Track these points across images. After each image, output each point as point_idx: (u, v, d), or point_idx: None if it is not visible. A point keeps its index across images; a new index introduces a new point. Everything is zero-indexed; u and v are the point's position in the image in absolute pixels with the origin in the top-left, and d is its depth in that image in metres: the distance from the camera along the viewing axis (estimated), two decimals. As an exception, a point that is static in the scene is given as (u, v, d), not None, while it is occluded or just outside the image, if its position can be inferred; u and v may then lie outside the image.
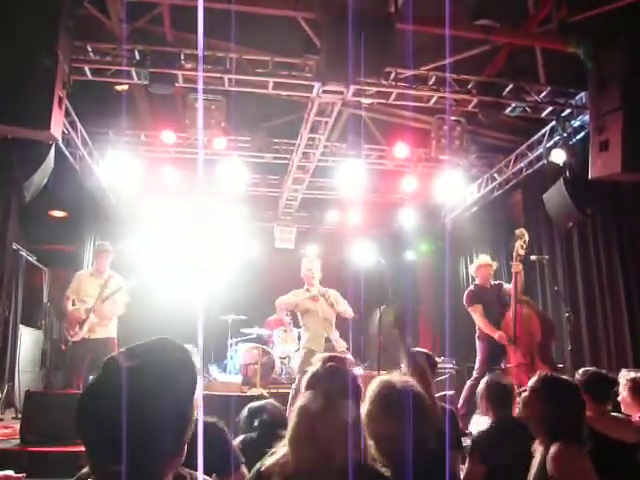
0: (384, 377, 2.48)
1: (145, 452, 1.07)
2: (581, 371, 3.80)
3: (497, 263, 7.40)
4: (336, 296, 6.83)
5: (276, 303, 6.88)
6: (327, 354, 2.21)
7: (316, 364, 2.11)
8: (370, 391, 2.40)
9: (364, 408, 2.34)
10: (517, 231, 6.77)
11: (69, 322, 6.79)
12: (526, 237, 6.65)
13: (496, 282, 7.18)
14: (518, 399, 3.24)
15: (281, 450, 1.98)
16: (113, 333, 7.01)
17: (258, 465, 2.00)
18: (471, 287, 7.23)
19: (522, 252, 6.60)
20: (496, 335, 6.51)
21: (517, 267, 6.56)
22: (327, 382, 2.02)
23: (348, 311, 6.90)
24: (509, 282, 6.98)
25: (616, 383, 3.89)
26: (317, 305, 6.65)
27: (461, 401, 6.58)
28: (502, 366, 6.48)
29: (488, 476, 3.19)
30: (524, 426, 2.80)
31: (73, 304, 6.89)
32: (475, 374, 6.69)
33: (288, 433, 1.96)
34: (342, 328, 9.33)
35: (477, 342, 6.94)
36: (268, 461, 1.98)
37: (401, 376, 2.52)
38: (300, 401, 1.99)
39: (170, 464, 1.19)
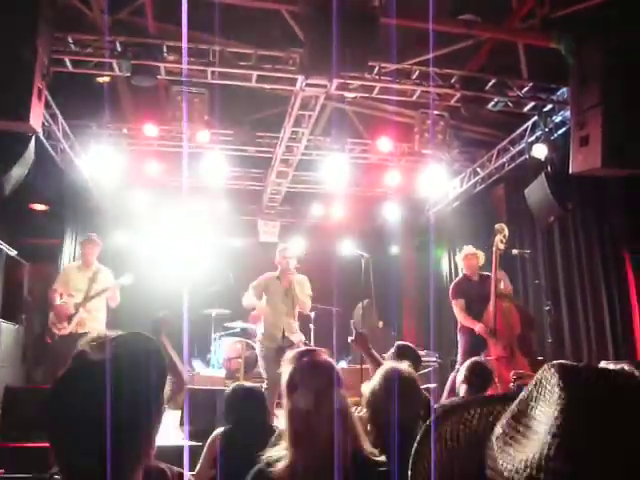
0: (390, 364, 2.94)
1: (115, 446, 1.06)
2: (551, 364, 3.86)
3: (484, 254, 7.32)
4: (303, 283, 6.72)
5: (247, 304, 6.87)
6: (299, 349, 2.20)
7: (289, 364, 2.07)
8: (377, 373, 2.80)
9: (369, 386, 2.74)
10: (497, 226, 6.79)
11: (57, 316, 6.69)
12: (506, 232, 6.68)
13: (485, 273, 7.14)
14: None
15: (280, 452, 1.98)
16: (102, 327, 6.91)
17: (259, 467, 1.98)
18: (457, 279, 7.28)
19: (502, 246, 6.63)
20: (476, 327, 6.56)
21: (501, 274, 6.64)
22: (311, 378, 2.00)
23: (306, 304, 6.74)
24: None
25: None
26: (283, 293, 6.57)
27: (445, 393, 6.63)
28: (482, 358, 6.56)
29: None
30: None
31: (61, 297, 6.81)
32: (458, 366, 6.74)
33: (286, 436, 1.97)
34: (325, 322, 9.37)
35: (458, 335, 7.04)
36: (273, 465, 1.96)
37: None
38: (289, 404, 1.98)
39: (141, 458, 1.18)
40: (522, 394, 0.77)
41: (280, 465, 1.94)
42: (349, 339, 3.95)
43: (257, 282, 6.68)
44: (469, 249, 7.30)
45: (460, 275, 7.39)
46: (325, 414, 1.92)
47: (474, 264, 7.13)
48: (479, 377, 4.07)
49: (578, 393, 0.69)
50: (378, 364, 3.38)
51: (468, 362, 4.32)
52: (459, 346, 7.01)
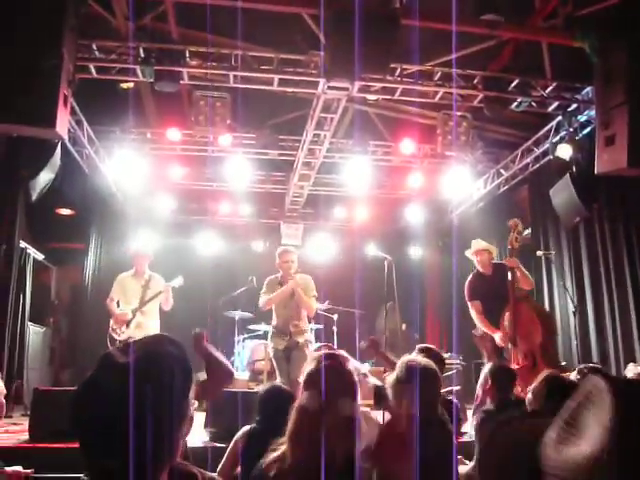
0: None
1: (139, 448, 1.08)
2: (577, 369, 3.82)
3: (496, 249, 6.91)
4: (307, 285, 6.59)
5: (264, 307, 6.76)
6: (323, 352, 2.23)
7: (312, 363, 2.13)
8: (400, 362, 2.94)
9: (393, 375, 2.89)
10: (510, 222, 6.36)
11: (116, 322, 7.07)
12: (520, 227, 6.24)
13: (498, 262, 6.68)
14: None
15: (281, 447, 2.03)
16: (156, 330, 7.13)
17: (260, 462, 2.03)
18: (470, 277, 6.71)
19: (517, 245, 6.18)
20: (496, 336, 6.12)
21: (512, 262, 6.08)
22: (325, 381, 2.04)
23: (311, 307, 6.60)
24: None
25: None
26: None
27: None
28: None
29: None
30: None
31: (117, 305, 7.17)
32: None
33: (288, 432, 2.01)
34: (348, 324, 9.36)
35: (477, 340, 6.64)
36: (268, 458, 2.02)
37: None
38: (299, 401, 2.05)
39: (165, 460, 1.19)
40: (570, 403, 0.92)
41: (275, 464, 1.99)
42: (362, 344, 4.00)
43: (264, 288, 6.66)
44: (479, 243, 6.78)
45: (473, 272, 6.78)
46: (330, 419, 1.95)
47: (487, 259, 6.61)
48: (503, 378, 3.98)
49: (627, 398, 0.86)
50: (394, 366, 3.40)
51: (489, 366, 4.23)
52: (482, 348, 6.59)
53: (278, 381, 6.19)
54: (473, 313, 6.46)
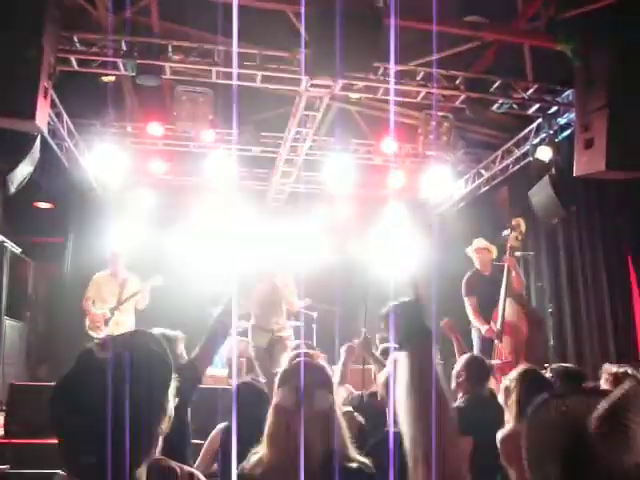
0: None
1: (117, 443, 1.08)
2: (549, 369, 3.86)
3: (496, 250, 6.89)
4: (288, 282, 6.70)
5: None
6: (296, 351, 2.27)
7: (286, 361, 2.17)
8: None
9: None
10: (513, 221, 6.44)
11: (92, 321, 7.17)
12: (522, 227, 6.32)
13: (499, 264, 6.68)
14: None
15: (261, 449, 2.03)
16: (133, 327, 7.24)
17: (241, 466, 2.03)
18: (468, 274, 6.87)
19: (517, 244, 6.27)
20: (483, 329, 6.30)
21: (511, 261, 6.20)
22: (296, 377, 2.05)
23: (293, 303, 6.73)
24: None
25: (585, 378, 3.96)
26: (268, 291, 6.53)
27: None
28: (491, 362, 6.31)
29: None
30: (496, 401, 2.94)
31: (94, 305, 7.27)
32: None
33: (265, 432, 2.01)
34: (327, 322, 9.36)
35: (472, 332, 6.70)
36: (250, 461, 2.02)
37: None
38: (274, 400, 2.05)
39: (143, 455, 1.19)
40: (613, 399, 0.98)
41: (255, 466, 1.99)
42: (354, 342, 4.04)
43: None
44: (481, 242, 6.88)
45: (472, 269, 6.93)
46: (305, 414, 1.95)
47: (486, 258, 6.72)
48: (477, 370, 3.95)
49: None
50: (382, 365, 3.44)
51: (464, 358, 4.22)
52: (473, 343, 6.66)
53: (261, 379, 6.19)
54: (468, 308, 6.59)
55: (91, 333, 7.12)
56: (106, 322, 7.14)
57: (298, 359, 2.17)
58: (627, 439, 0.92)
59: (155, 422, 1.21)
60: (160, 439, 1.24)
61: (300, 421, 1.93)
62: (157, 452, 1.25)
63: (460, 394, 3.84)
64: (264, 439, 2.02)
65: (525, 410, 1.10)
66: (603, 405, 0.96)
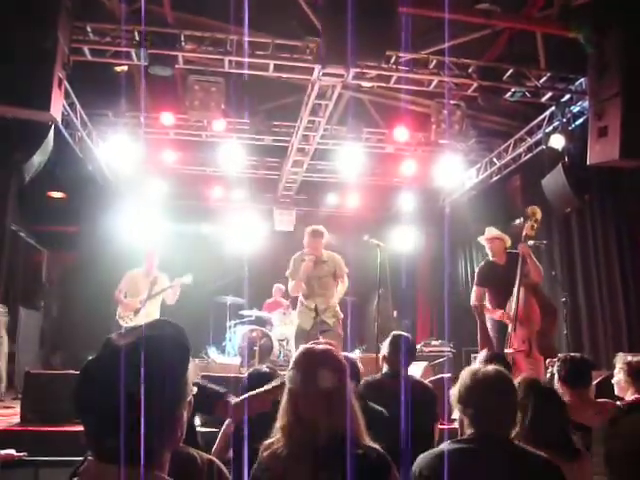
0: None
1: (139, 428, 1.11)
2: (558, 357, 3.86)
3: (509, 238, 6.62)
4: (337, 262, 6.46)
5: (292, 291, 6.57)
6: (309, 344, 2.29)
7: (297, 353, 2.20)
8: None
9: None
10: (529, 209, 6.23)
11: (124, 309, 7.55)
12: (538, 216, 6.11)
13: (513, 252, 6.39)
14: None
15: (276, 435, 2.06)
16: None
17: (260, 453, 2.07)
18: (482, 263, 6.70)
19: (532, 232, 6.08)
20: (496, 315, 6.13)
21: (525, 249, 6.01)
22: (303, 359, 2.12)
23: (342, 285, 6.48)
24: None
25: (594, 366, 3.95)
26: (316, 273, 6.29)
27: None
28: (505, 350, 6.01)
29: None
30: None
31: (125, 297, 7.64)
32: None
33: (278, 415, 2.06)
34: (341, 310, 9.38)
35: (478, 320, 6.50)
36: (265, 446, 2.05)
37: None
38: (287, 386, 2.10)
39: (167, 440, 1.22)
40: None
41: (269, 450, 2.03)
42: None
43: (290, 267, 6.46)
44: (493, 231, 6.63)
45: (486, 259, 6.71)
46: (311, 394, 1.99)
47: (499, 247, 6.47)
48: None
49: None
50: None
51: (483, 354, 4.24)
52: (479, 332, 6.49)
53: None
54: (472, 297, 6.43)
55: (120, 322, 7.46)
56: (136, 312, 7.48)
57: (311, 346, 2.22)
58: None
59: (176, 405, 1.24)
60: (185, 425, 1.27)
61: (306, 400, 1.98)
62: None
63: None
64: (278, 421, 2.06)
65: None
66: None
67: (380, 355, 4.31)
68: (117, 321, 7.51)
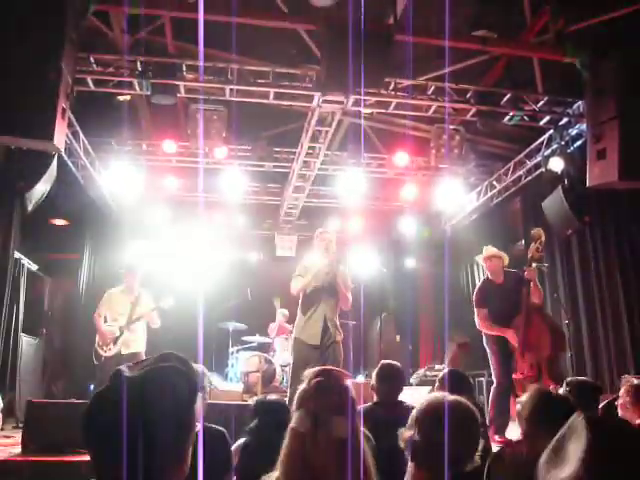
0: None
1: (147, 459, 1.12)
2: (565, 382, 3.85)
3: (507, 257, 6.57)
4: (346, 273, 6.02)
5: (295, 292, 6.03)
6: (317, 368, 2.06)
7: (305, 380, 1.94)
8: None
9: None
10: (533, 231, 6.22)
11: (102, 339, 7.02)
12: (543, 238, 6.07)
13: (511, 270, 6.38)
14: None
15: (275, 474, 1.86)
16: (142, 348, 7.17)
17: None
18: (479, 284, 6.58)
19: (537, 255, 6.02)
20: (508, 334, 5.93)
21: (531, 273, 5.93)
22: (315, 400, 1.86)
23: (348, 298, 6.01)
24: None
25: (601, 391, 3.93)
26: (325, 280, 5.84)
27: (490, 411, 6.00)
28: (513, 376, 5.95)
29: None
30: None
31: (105, 321, 7.11)
32: (494, 379, 6.16)
33: (280, 456, 1.85)
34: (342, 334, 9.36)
35: (486, 347, 6.31)
36: None
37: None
38: (291, 422, 1.88)
39: (173, 471, 1.23)
40: (560, 433, 1.14)
41: None
42: None
43: (298, 270, 5.99)
44: (491, 250, 6.52)
45: (483, 278, 6.61)
46: (322, 440, 1.77)
47: (497, 265, 6.37)
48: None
49: (599, 437, 1.07)
50: None
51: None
52: (490, 358, 6.25)
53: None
54: (477, 320, 6.27)
55: (99, 351, 6.99)
56: (115, 341, 6.98)
57: (317, 378, 1.93)
58: None
59: (182, 439, 1.25)
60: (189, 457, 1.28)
61: (316, 447, 1.77)
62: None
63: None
64: (279, 462, 1.84)
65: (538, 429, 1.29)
66: None
67: (370, 384, 4.27)
68: (96, 349, 7.02)
